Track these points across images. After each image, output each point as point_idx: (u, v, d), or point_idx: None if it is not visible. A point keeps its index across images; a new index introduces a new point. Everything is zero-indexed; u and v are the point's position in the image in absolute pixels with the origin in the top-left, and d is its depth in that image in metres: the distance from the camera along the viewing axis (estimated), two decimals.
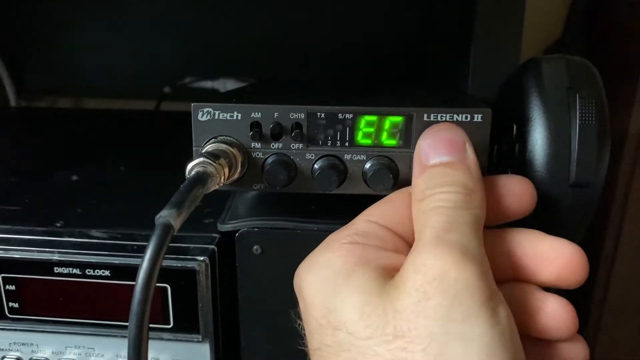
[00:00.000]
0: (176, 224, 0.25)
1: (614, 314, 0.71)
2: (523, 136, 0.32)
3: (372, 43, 0.69)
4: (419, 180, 0.27)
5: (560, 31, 0.74)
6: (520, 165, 0.32)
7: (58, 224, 0.41)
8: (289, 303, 0.37)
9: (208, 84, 0.70)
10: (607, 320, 0.72)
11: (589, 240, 0.67)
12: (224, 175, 0.29)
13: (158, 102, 0.74)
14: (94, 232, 0.40)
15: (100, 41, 0.75)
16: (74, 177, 0.51)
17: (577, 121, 0.30)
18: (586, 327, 0.73)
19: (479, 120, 0.31)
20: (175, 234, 0.25)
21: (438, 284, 0.23)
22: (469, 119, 0.31)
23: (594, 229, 0.69)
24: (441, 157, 0.27)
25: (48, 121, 0.72)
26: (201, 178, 0.27)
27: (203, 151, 0.30)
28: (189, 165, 0.28)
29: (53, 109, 0.80)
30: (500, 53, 0.42)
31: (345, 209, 0.37)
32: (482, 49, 0.42)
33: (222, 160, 0.29)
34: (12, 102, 0.79)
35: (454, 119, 0.31)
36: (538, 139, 0.31)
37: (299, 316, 0.29)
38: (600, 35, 0.73)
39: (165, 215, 0.25)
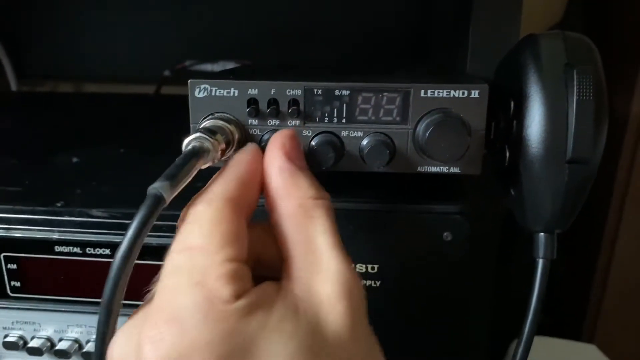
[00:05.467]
0: (168, 196, 0.25)
1: (614, 298, 0.71)
2: (520, 113, 0.32)
3: (372, 25, 0.68)
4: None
5: (560, 15, 0.74)
6: (517, 142, 0.32)
7: (58, 204, 0.42)
8: None
9: (208, 67, 0.70)
10: (607, 305, 0.72)
11: (590, 223, 0.67)
12: (221, 151, 0.29)
13: (158, 86, 0.74)
14: (94, 212, 0.40)
15: (100, 26, 0.75)
16: (74, 159, 0.51)
17: (575, 97, 0.30)
18: (586, 312, 0.74)
19: (476, 96, 0.31)
20: (166, 206, 0.25)
21: None
22: (465, 94, 0.31)
23: (596, 212, 0.69)
24: None
25: (49, 105, 0.72)
26: (197, 153, 0.27)
27: (200, 127, 0.30)
28: (186, 140, 0.28)
29: (53, 93, 0.80)
30: (499, 32, 0.42)
31: (342, 187, 0.37)
32: (481, 29, 0.42)
33: (218, 136, 0.29)
34: (13, 86, 0.80)
35: (451, 95, 0.30)
36: (535, 116, 0.31)
37: None
38: (601, 20, 0.72)
39: (157, 186, 0.25)
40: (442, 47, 0.58)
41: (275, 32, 0.70)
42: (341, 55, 0.69)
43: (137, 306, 0.39)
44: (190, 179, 0.26)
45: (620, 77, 0.66)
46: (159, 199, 0.24)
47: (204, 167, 0.28)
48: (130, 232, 0.24)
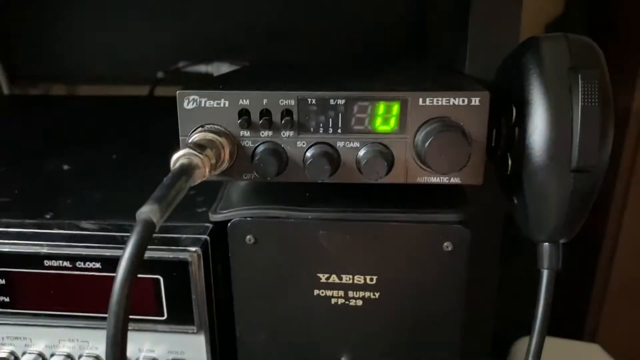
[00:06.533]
0: (157, 219, 0.24)
1: (616, 296, 0.70)
2: (523, 119, 0.30)
3: (370, 24, 0.67)
4: None
5: (561, 7, 0.72)
6: (520, 150, 0.31)
7: (48, 216, 0.41)
8: (283, 291, 0.37)
9: (202, 68, 0.68)
10: (610, 303, 0.71)
11: (592, 221, 0.66)
12: (211, 166, 0.28)
13: (152, 88, 0.73)
14: (84, 224, 0.39)
15: (92, 28, 0.74)
16: (65, 167, 0.50)
17: (580, 103, 0.29)
18: (588, 311, 0.73)
19: (477, 104, 0.29)
20: (157, 230, 0.24)
21: None
22: (466, 102, 0.29)
23: (597, 210, 0.68)
24: None
25: (41, 109, 0.71)
26: (186, 170, 0.26)
27: (189, 141, 0.29)
28: (174, 157, 0.27)
29: (46, 96, 0.79)
30: (499, 32, 0.41)
31: (339, 196, 0.36)
32: (480, 28, 0.41)
33: (208, 151, 0.28)
34: (5, 90, 0.78)
35: (450, 103, 0.29)
36: (538, 123, 0.30)
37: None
38: (603, 12, 0.71)
39: (146, 211, 0.24)
40: (440, 48, 0.56)
41: (269, 31, 0.68)
42: (338, 56, 0.67)
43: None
44: (180, 199, 0.25)
45: (621, 72, 0.64)
46: (149, 224, 0.23)
47: (194, 184, 0.27)
48: (124, 262, 0.23)
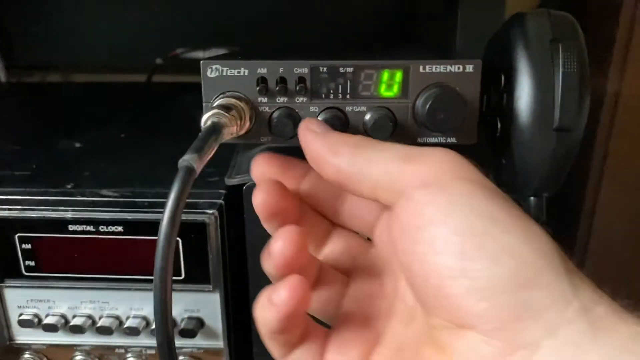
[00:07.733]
0: (197, 167, 0.27)
1: (593, 271, 0.74)
2: (510, 86, 0.34)
3: (360, 4, 0.70)
4: None
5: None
6: (508, 113, 0.34)
7: (69, 186, 0.43)
8: None
9: (200, 55, 0.71)
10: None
11: (567, 205, 0.70)
12: (236, 126, 0.31)
13: (150, 74, 0.75)
14: (104, 192, 0.42)
15: (89, 14, 0.76)
16: (77, 145, 0.52)
17: (560, 69, 0.33)
18: None
19: (471, 70, 0.33)
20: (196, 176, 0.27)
21: None
22: (461, 69, 0.33)
23: (573, 193, 0.72)
24: None
25: (42, 95, 0.73)
26: (216, 126, 0.29)
27: (214, 105, 0.32)
28: (204, 117, 0.30)
29: (45, 83, 0.81)
30: (486, 14, 0.45)
31: None
32: (470, 10, 0.44)
33: (233, 112, 0.31)
34: (3, 78, 0.80)
35: (447, 70, 0.33)
36: (525, 88, 0.33)
37: None
38: (577, 3, 0.75)
39: (187, 159, 0.27)
40: (431, 27, 0.60)
41: (265, 18, 0.71)
42: (330, 35, 0.70)
43: (142, 280, 0.41)
44: (212, 153, 0.28)
45: (594, 59, 0.68)
46: (190, 170, 0.26)
47: (222, 141, 0.30)
48: (169, 204, 0.25)
